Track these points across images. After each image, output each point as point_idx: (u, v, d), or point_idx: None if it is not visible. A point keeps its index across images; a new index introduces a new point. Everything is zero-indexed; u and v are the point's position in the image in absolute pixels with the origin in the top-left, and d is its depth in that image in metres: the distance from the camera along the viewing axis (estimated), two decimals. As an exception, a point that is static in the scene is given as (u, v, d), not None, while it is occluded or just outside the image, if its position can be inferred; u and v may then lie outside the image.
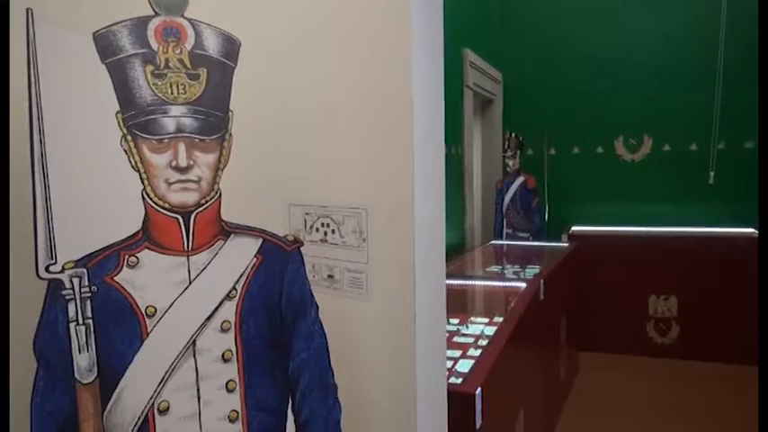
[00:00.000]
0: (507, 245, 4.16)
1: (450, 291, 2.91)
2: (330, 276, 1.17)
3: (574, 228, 4.47)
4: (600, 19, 4.58)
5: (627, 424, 3.10)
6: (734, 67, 4.24)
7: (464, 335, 2.35)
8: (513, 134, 4.19)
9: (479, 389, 1.39)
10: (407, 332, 1.04)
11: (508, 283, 2.86)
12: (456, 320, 2.53)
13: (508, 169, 4.19)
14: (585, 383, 3.62)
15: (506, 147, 4.18)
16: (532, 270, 3.21)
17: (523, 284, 2.69)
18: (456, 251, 3.58)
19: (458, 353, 2.11)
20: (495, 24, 4.59)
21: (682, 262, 3.95)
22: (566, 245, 3.90)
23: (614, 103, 4.58)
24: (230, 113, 0.91)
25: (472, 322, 2.52)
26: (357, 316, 1.11)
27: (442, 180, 1.08)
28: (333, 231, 1.15)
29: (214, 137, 0.88)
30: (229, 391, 0.87)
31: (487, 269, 3.52)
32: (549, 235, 4.31)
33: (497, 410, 1.73)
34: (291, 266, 0.92)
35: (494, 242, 4.20)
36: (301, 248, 1.20)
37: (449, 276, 3.03)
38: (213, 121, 0.88)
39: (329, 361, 0.97)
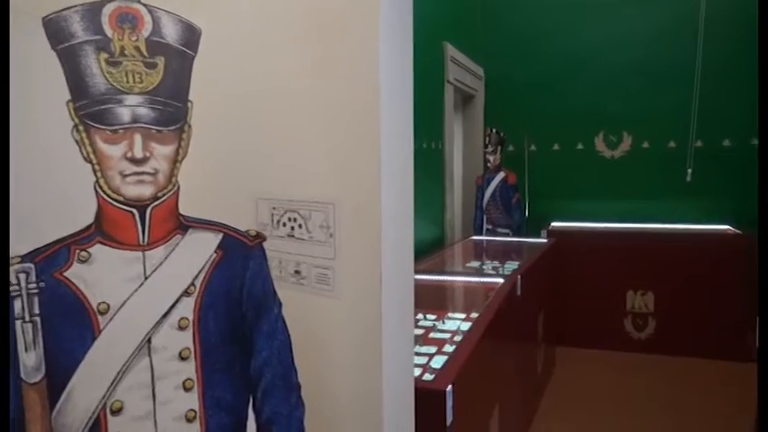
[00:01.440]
0: (487, 240, 4.16)
1: (429, 286, 2.92)
2: (297, 272, 1.14)
3: (553, 224, 4.49)
4: (581, 16, 4.59)
5: (604, 418, 3.13)
6: (712, 65, 4.28)
7: (440, 330, 2.34)
8: (494, 130, 4.18)
9: (450, 386, 1.38)
10: (374, 329, 1.02)
11: (486, 279, 2.86)
12: (433, 316, 2.52)
13: (489, 165, 4.19)
14: (563, 378, 3.64)
15: (487, 143, 4.18)
16: (511, 266, 3.21)
17: (501, 280, 2.69)
18: (435, 246, 3.58)
19: (433, 349, 2.10)
20: (476, 20, 4.57)
21: (659, 258, 3.99)
22: (545, 241, 3.91)
23: (595, 99, 4.60)
24: (189, 104, 0.88)
25: (449, 318, 2.51)
26: (323, 313, 1.09)
27: (410, 175, 1.06)
28: (300, 226, 1.13)
29: (172, 128, 0.85)
30: (187, 389, 0.85)
31: (467, 264, 3.52)
32: (529, 231, 4.32)
33: (470, 407, 1.72)
34: (253, 262, 0.90)
35: (474, 238, 4.20)
36: (267, 243, 1.18)
37: (428, 272, 3.03)
38: (171, 111, 0.85)
39: (292, 359, 0.95)
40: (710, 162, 4.34)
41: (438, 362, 1.85)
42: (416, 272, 2.95)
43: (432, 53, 3.59)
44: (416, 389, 1.34)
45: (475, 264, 3.48)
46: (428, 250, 3.39)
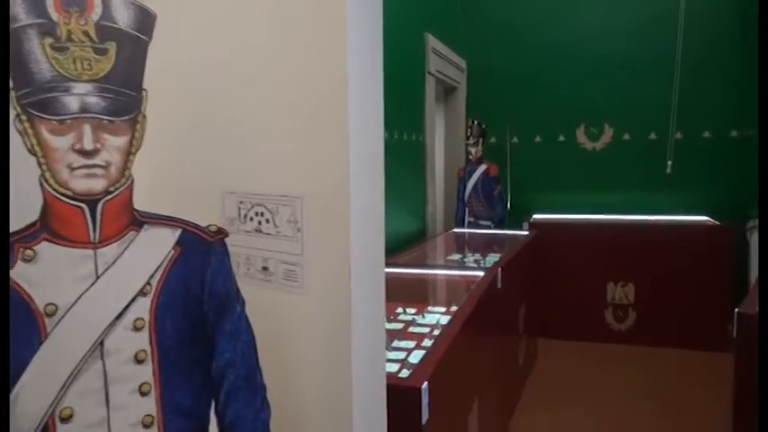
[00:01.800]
0: (469, 233, 4.14)
1: (409, 279, 2.89)
2: (265, 268, 1.10)
3: (535, 216, 4.49)
4: (562, 8, 4.57)
5: (585, 410, 3.14)
6: (692, 58, 4.29)
7: (420, 324, 2.31)
8: (476, 122, 4.16)
9: (426, 383, 1.35)
10: (344, 326, 0.98)
11: (467, 272, 2.84)
12: (413, 310, 2.49)
13: (470, 157, 4.17)
14: (544, 370, 3.65)
15: (469, 134, 4.16)
16: (493, 258, 3.20)
17: (482, 273, 2.67)
18: (417, 239, 3.55)
19: (412, 343, 2.08)
20: (458, 11, 4.53)
21: (639, 249, 4.01)
22: (526, 233, 3.90)
23: (576, 91, 4.59)
24: (143, 92, 0.83)
25: (429, 312, 2.48)
26: (291, 311, 1.05)
27: (380, 167, 1.02)
28: (267, 221, 1.09)
29: (125, 118, 0.80)
30: (143, 394, 0.81)
31: (448, 257, 3.50)
32: (511, 223, 4.32)
33: (448, 403, 1.70)
34: (214, 259, 0.86)
35: (455, 230, 4.18)
36: (234, 239, 1.13)
37: (408, 265, 3.00)
38: (123, 100, 0.80)
39: (257, 360, 0.91)
40: (690, 154, 4.36)
41: (417, 357, 1.82)
42: (397, 265, 2.93)
43: (413, 44, 3.55)
44: (391, 386, 1.31)
45: (456, 256, 3.46)
46: (409, 243, 3.36)
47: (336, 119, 0.95)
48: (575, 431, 2.92)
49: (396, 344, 2.07)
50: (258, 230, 1.10)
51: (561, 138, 4.68)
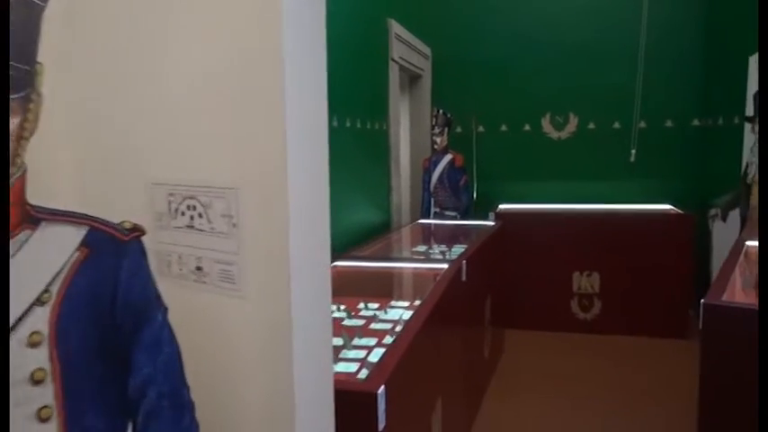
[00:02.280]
0: (435, 224, 4.07)
1: (372, 273, 2.79)
2: (198, 269, 0.99)
3: (501, 206, 4.45)
4: (527, -5, 4.52)
5: (552, 400, 3.11)
6: (655, 47, 4.29)
7: (382, 320, 2.22)
8: (441, 111, 4.08)
9: (383, 387, 1.26)
10: (284, 333, 0.88)
11: (432, 265, 2.76)
12: (375, 305, 2.40)
13: (436, 147, 4.09)
14: (511, 362, 3.62)
15: (434, 124, 4.08)
16: (459, 249, 3.13)
17: (447, 266, 2.59)
18: (381, 231, 3.46)
19: (373, 341, 1.99)
20: (422, -4, 4.44)
21: (604, 239, 4.00)
22: (492, 223, 3.85)
23: (542, 80, 4.56)
24: (39, 66, 0.71)
25: (392, 307, 2.40)
26: (228, 315, 0.94)
27: (324, 157, 0.92)
28: (200, 215, 0.98)
29: (14, 96, 0.68)
30: (43, 420, 0.69)
31: (413, 249, 3.42)
32: (477, 213, 4.26)
33: (409, 405, 1.61)
34: (129, 261, 0.74)
35: (421, 221, 4.10)
36: (165, 236, 1.01)
37: (371, 258, 2.91)
38: (13, 75, 0.67)
39: (183, 374, 0.80)
40: (654, 143, 4.38)
41: (377, 355, 1.74)
42: (360, 258, 2.82)
43: (375, 30, 3.44)
44: (344, 392, 1.22)
45: (422, 248, 3.38)
46: (373, 235, 3.26)
47: (272, 105, 0.85)
48: (542, 422, 2.89)
49: (356, 341, 1.98)
50: (191, 226, 0.99)
51: (527, 127, 4.65)
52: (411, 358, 1.66)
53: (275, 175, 0.86)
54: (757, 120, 3.04)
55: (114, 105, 0.87)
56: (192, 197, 0.97)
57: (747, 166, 3.21)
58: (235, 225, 0.92)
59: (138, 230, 0.77)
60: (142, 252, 0.77)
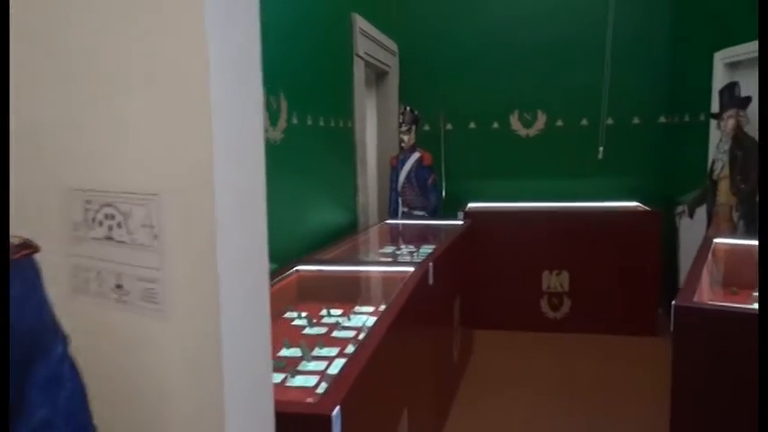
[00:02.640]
0: (403, 224, 3.98)
1: (336, 277, 2.68)
2: (119, 286, 0.87)
3: (470, 204, 4.38)
4: (495, -9, 4.47)
5: (522, 400, 3.06)
6: (621, 45, 4.29)
7: (345, 328, 2.12)
8: (408, 108, 3.99)
9: (338, 408, 1.15)
10: (212, 357, 0.77)
11: (399, 268, 2.65)
12: (338, 311, 2.30)
13: (403, 145, 4.00)
14: (481, 363, 3.56)
15: (401, 121, 3.98)
16: (427, 249, 3.05)
17: (413, 268, 2.50)
18: (347, 232, 3.35)
19: (335, 350, 1.88)
20: (388, -9, 4.34)
21: (573, 237, 3.97)
22: (461, 222, 3.78)
23: (510, 78, 4.51)
24: None
25: (356, 313, 2.30)
26: (151, 339, 0.83)
27: (259, 159, 0.81)
28: (119, 225, 0.86)
29: None
30: None
31: (380, 251, 3.32)
32: (446, 212, 4.19)
33: (370, 421, 1.51)
34: (18, 283, 0.62)
35: (389, 221, 4.01)
36: (77, 249, 0.89)
37: (335, 262, 2.79)
38: None
39: (88, 414, 0.68)
40: (621, 140, 4.37)
41: (338, 367, 1.63)
42: (323, 262, 2.71)
43: (339, 25, 3.32)
44: (294, 415, 1.12)
45: (389, 249, 3.29)
46: (339, 237, 3.16)
47: (196, 103, 0.74)
48: (514, 423, 2.83)
49: (316, 352, 1.87)
50: (109, 237, 0.87)
51: (495, 125, 4.59)
52: (373, 369, 1.56)
53: (200, 181, 0.75)
54: (724, 116, 3.04)
55: (26, 103, 0.75)
56: (109, 204, 0.86)
57: (713, 162, 3.21)
58: (156, 236, 0.81)
59: (28, 247, 0.64)
60: (36, 273, 0.65)
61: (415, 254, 3.06)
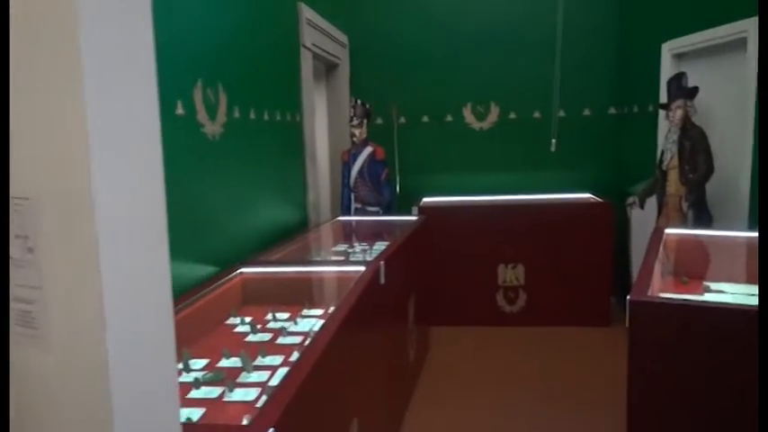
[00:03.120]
0: (356, 220, 3.87)
1: (284, 279, 2.54)
2: (-9, 308, 0.73)
3: (425, 199, 4.31)
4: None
5: (480, 397, 3.01)
6: (571, 36, 4.26)
7: (291, 333, 2.01)
8: (359, 101, 3.87)
9: (272, 430, 1.04)
10: (100, 390, 0.65)
11: (351, 267, 2.54)
12: (285, 315, 2.18)
13: (354, 139, 3.88)
14: (438, 361, 3.49)
15: (352, 115, 3.86)
16: (380, 247, 2.95)
17: (364, 268, 2.39)
18: (297, 230, 3.22)
19: (279, 359, 1.77)
20: (335, -20, 4.20)
21: (527, 229, 3.95)
22: (415, 218, 3.70)
23: (462, 70, 4.46)
24: None
25: (303, 316, 2.18)
26: (30, 371, 0.70)
27: (155, 156, 0.69)
28: (-12, 236, 0.72)
29: None
30: None
31: (332, 249, 3.21)
32: (401, 207, 4.10)
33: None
34: None
35: (341, 218, 3.89)
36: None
37: (283, 262, 2.65)
38: None
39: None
40: (573, 132, 4.37)
41: (280, 377, 1.52)
42: (270, 263, 2.56)
43: (284, 14, 3.18)
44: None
45: (341, 248, 3.18)
46: (288, 235, 3.02)
47: (68, 86, 0.61)
48: (472, 419, 2.77)
49: (259, 361, 1.75)
50: (-22, 251, 0.73)
51: (449, 117, 4.54)
52: (317, 379, 1.45)
53: (77, 183, 0.62)
54: (672, 106, 3.05)
55: None
56: (-25, 212, 0.72)
57: (662, 153, 3.22)
58: (31, 250, 0.68)
59: None
60: None
61: (369, 251, 2.96)
